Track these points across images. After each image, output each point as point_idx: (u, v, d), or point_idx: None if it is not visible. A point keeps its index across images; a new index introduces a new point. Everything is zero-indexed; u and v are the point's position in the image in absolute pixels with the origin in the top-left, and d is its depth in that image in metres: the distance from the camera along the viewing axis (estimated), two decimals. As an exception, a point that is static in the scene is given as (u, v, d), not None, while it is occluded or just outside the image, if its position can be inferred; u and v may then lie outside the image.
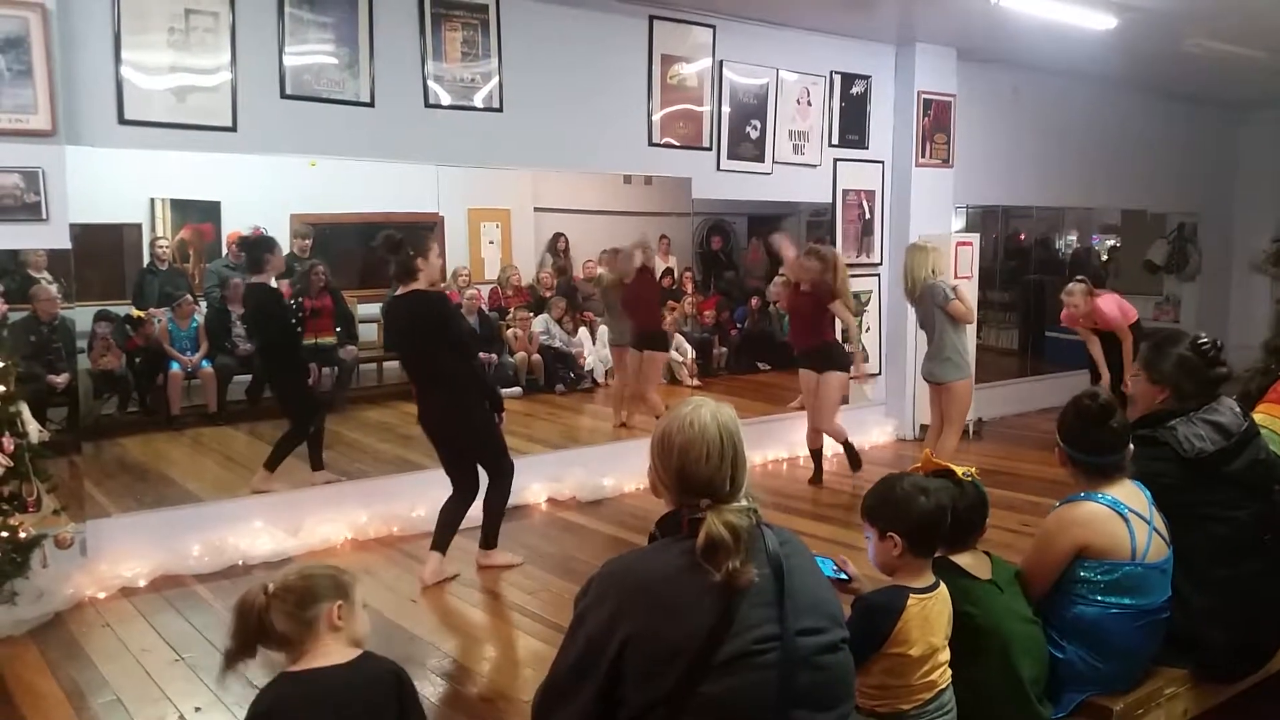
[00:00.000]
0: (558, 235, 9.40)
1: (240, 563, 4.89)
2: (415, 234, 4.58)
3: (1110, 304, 6.71)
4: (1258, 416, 3.08)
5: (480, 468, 4.77)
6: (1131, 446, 2.67)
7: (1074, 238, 11.24)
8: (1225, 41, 7.30)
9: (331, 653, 2.04)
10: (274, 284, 5.77)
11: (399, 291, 4.55)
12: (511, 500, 5.81)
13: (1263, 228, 10.89)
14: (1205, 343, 2.91)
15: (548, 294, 9.01)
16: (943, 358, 5.89)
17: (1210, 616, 2.74)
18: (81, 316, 5.41)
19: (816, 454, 6.59)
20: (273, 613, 2.05)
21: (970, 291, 7.74)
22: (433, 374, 4.60)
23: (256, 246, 5.72)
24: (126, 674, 3.73)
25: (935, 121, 7.75)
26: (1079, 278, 6.98)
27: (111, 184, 6.03)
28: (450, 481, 4.76)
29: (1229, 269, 11.12)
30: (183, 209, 6.96)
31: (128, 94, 4.65)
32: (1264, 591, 2.83)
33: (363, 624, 2.12)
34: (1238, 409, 2.91)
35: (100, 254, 6.62)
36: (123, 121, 4.65)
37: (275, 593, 2.06)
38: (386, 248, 4.48)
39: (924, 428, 7.77)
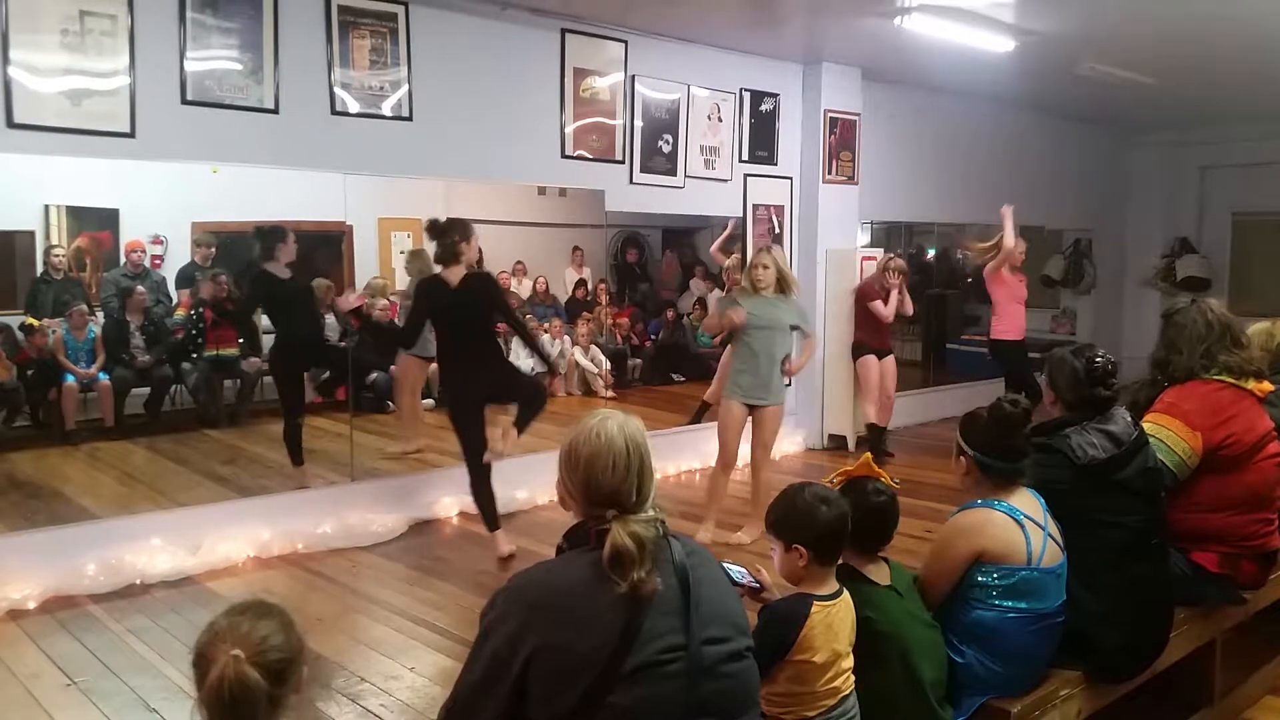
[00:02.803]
0: (471, 246, 9.32)
1: (138, 581, 4.73)
2: (459, 220, 5.14)
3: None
4: (1146, 425, 3.20)
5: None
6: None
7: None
8: (1117, 66, 7.61)
9: None
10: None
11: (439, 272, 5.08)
12: (423, 514, 5.81)
13: (1152, 244, 11.36)
14: (1098, 362, 3.01)
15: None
16: (778, 378, 5.47)
17: (1102, 619, 2.83)
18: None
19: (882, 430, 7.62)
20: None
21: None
22: (483, 346, 5.17)
23: (270, 235, 5.83)
24: (13, 702, 3.57)
25: (841, 139, 7.91)
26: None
27: (1, 190, 5.81)
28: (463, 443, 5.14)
29: (1122, 283, 11.58)
30: (79, 216, 6.72)
31: (17, 96, 4.46)
32: (1152, 594, 2.94)
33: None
34: (1129, 418, 3.02)
35: (-11, 262, 6.37)
36: (12, 125, 4.46)
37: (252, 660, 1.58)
38: (432, 231, 5.03)
39: (833, 437, 7.93)
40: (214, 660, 1.59)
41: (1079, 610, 2.78)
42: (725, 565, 2.26)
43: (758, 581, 2.48)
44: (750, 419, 5.53)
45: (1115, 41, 6.94)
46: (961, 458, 2.75)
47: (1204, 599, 3.34)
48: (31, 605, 4.44)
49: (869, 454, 2.67)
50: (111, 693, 3.63)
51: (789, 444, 7.82)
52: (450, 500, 5.95)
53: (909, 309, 7.61)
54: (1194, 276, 10.80)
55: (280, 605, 1.74)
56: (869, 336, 7.58)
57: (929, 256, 10.83)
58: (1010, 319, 7.36)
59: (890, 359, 7.62)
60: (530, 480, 6.14)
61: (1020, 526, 2.63)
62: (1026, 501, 2.70)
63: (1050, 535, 2.69)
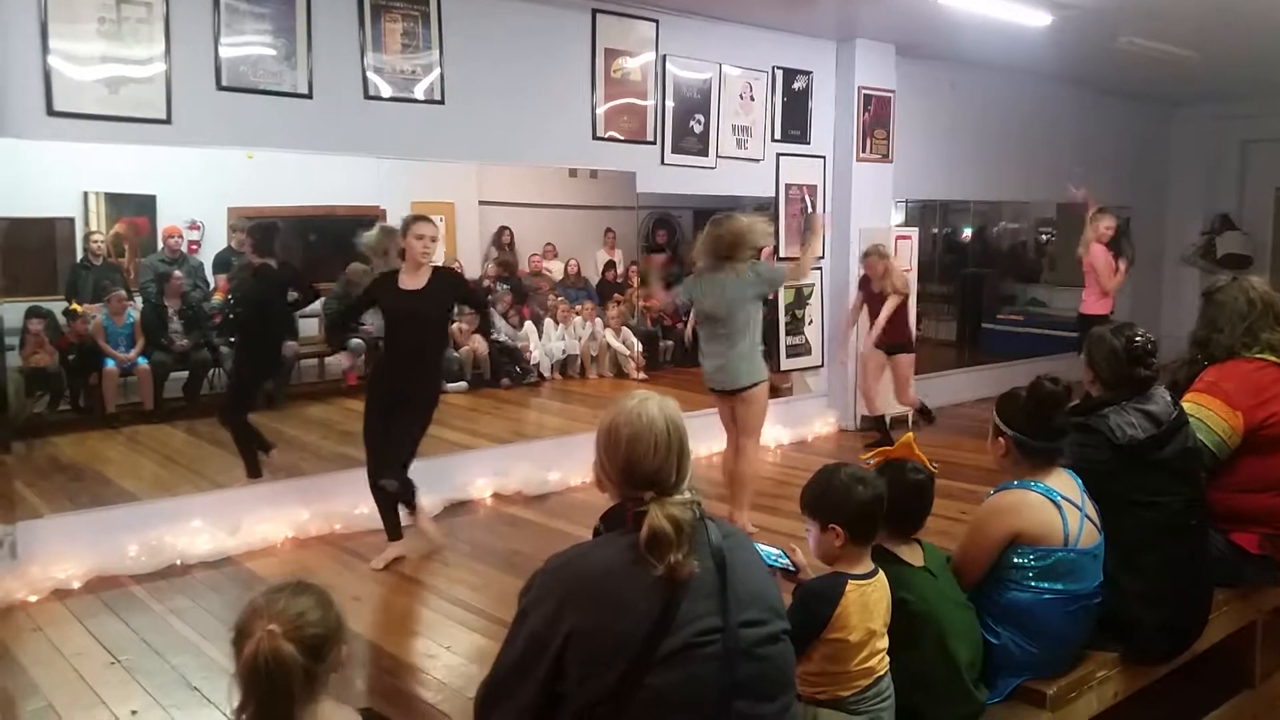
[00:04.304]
0: (503, 229, 9.35)
1: (178, 562, 4.81)
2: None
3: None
4: (1185, 405, 3.16)
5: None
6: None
7: (1013, 229, 11.47)
8: (1156, 40, 7.48)
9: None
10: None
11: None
12: (458, 495, 5.85)
13: (1192, 221, 11.17)
14: (1137, 341, 2.97)
15: (489, 283, 8.98)
16: (749, 356, 5.02)
17: (1140, 600, 2.81)
18: (10, 312, 5.28)
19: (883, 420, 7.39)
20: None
21: (910, 284, 7.86)
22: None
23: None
24: (59, 679, 3.64)
25: (875, 117, 7.83)
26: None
27: (42, 177, 5.89)
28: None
29: (1161, 261, 11.39)
30: (117, 202, 6.81)
31: (56, 85, 4.51)
32: (1190, 575, 2.92)
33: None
34: (1169, 398, 2.99)
35: (31, 248, 6.46)
36: (52, 113, 4.51)
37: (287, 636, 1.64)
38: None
39: (865, 418, 7.89)
40: (251, 635, 1.63)
41: (1117, 591, 2.76)
42: (760, 547, 2.26)
43: (793, 564, 2.47)
44: (731, 407, 5.13)
45: (1154, 14, 6.81)
46: (1000, 438, 2.72)
47: (1244, 580, 3.30)
48: (76, 585, 4.53)
49: (910, 435, 2.66)
50: (154, 671, 3.70)
51: (821, 425, 7.80)
52: (484, 482, 5.99)
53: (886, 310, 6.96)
54: (1235, 254, 10.61)
55: (320, 585, 1.77)
56: (875, 338, 7.11)
57: (965, 235, 10.72)
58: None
59: (901, 357, 7.13)
60: (564, 461, 6.16)
61: (1057, 507, 2.61)
62: (1063, 482, 2.68)
63: (1087, 516, 2.67)
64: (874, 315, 7.09)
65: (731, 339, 4.97)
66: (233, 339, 6.48)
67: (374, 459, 4.79)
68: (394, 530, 4.90)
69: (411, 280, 4.73)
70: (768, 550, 2.40)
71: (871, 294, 7.10)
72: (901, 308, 7.07)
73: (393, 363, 4.81)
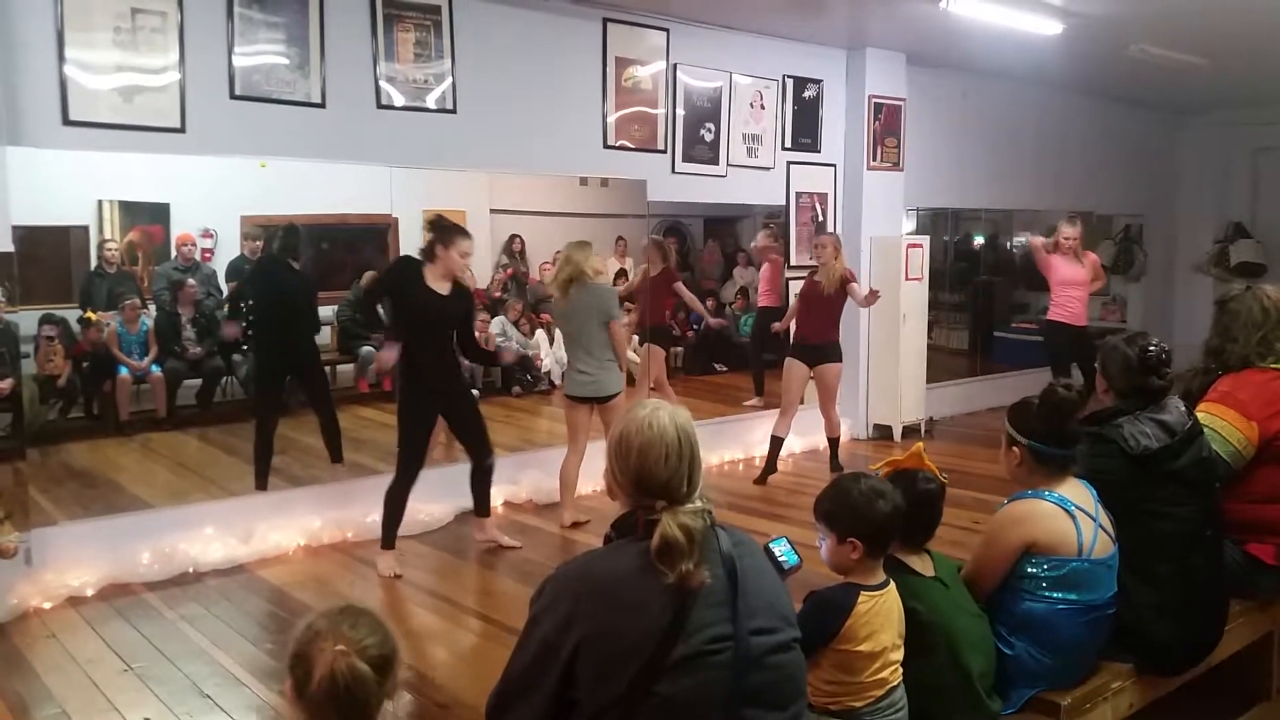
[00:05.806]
0: (513, 237, 9.37)
1: (191, 570, 4.82)
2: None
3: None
4: (1200, 415, 3.15)
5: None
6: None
7: (1023, 239, 11.42)
8: (1167, 47, 7.46)
9: None
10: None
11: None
12: (468, 503, 5.83)
13: (1204, 229, 11.13)
14: (1151, 351, 2.96)
15: (499, 293, 9.00)
16: (606, 362, 5.58)
17: (1155, 611, 2.80)
18: (25, 320, 5.30)
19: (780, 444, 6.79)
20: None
21: (921, 293, 7.85)
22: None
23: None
24: (72, 685, 3.66)
25: (886, 125, 7.83)
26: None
27: (57, 186, 5.91)
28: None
29: (1173, 269, 11.36)
30: (131, 211, 6.83)
31: (72, 94, 4.55)
32: (1205, 586, 2.90)
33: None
34: (1183, 408, 2.97)
35: (46, 257, 6.48)
36: (67, 122, 4.55)
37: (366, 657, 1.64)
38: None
39: (878, 427, 7.86)
40: (316, 659, 1.61)
41: (1131, 602, 2.75)
42: (769, 546, 2.19)
43: (797, 555, 2.38)
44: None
45: (1165, 22, 6.80)
46: (1014, 448, 2.70)
47: (1260, 591, 3.28)
48: (90, 592, 4.55)
49: (920, 444, 2.64)
50: (166, 678, 3.71)
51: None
52: (495, 490, 5.95)
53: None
54: (1249, 262, 10.57)
55: (370, 609, 1.76)
56: (798, 333, 6.72)
57: (977, 243, 10.69)
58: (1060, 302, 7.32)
59: (827, 367, 6.54)
60: (575, 470, 6.15)
61: (1071, 517, 2.60)
62: (1077, 492, 2.67)
63: (1101, 526, 2.66)
64: (809, 307, 6.55)
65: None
66: (245, 345, 6.53)
67: (416, 463, 4.90)
68: (391, 539, 4.93)
69: (439, 285, 4.84)
70: (776, 545, 2.28)
71: (812, 283, 6.51)
72: (837, 304, 6.44)
73: (423, 366, 4.86)
